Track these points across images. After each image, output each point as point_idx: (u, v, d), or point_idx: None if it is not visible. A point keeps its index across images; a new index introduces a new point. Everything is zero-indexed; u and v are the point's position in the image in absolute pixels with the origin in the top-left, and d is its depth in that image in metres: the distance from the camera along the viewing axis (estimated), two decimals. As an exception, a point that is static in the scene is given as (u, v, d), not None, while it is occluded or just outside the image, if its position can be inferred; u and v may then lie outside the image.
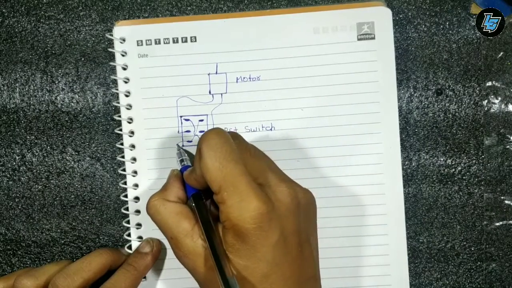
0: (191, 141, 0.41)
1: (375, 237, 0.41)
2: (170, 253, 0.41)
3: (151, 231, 0.41)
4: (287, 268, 0.31)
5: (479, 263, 0.42)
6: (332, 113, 0.41)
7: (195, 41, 0.41)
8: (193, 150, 0.41)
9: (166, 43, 0.41)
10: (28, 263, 0.43)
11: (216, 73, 0.41)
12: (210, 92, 0.41)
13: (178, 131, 0.41)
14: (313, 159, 0.41)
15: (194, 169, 0.34)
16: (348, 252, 0.41)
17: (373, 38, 0.40)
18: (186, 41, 0.41)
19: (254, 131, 0.41)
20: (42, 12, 0.42)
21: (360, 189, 0.41)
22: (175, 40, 0.41)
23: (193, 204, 0.35)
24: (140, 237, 0.41)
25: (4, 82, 0.42)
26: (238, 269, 0.31)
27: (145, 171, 0.41)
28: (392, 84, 0.41)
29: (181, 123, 0.41)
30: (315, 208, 0.36)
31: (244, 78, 0.41)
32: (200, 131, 0.41)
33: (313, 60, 0.41)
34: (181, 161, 0.38)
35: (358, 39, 0.41)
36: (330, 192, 0.41)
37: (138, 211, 0.41)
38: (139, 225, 0.41)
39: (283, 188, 0.32)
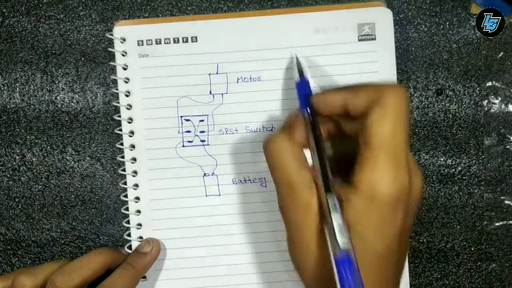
0: (191, 141, 0.41)
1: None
2: (170, 253, 0.41)
3: (151, 231, 0.41)
4: (396, 255, 0.29)
5: (479, 263, 0.42)
6: (333, 114, 0.41)
7: (196, 41, 0.41)
8: (194, 149, 0.41)
9: (167, 43, 0.41)
10: (28, 263, 0.43)
11: (217, 73, 0.41)
12: (210, 92, 0.41)
13: (179, 131, 0.41)
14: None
15: (354, 94, 0.29)
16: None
17: (374, 39, 0.40)
18: (186, 41, 0.41)
19: (254, 131, 0.41)
20: (42, 12, 0.42)
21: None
22: (176, 40, 0.41)
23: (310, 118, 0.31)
24: (140, 237, 0.41)
25: (4, 82, 0.42)
26: (354, 236, 0.28)
27: (145, 171, 0.41)
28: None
29: (182, 123, 0.41)
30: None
31: (244, 78, 0.41)
32: (201, 131, 0.41)
33: (314, 60, 0.41)
34: (300, 72, 0.35)
35: (359, 40, 0.41)
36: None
37: (138, 211, 0.41)
38: (139, 225, 0.41)
39: (418, 179, 0.30)
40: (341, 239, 0.27)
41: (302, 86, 0.35)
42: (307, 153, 0.31)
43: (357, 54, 0.40)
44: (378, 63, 0.41)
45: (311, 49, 0.41)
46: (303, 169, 0.30)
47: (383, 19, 0.40)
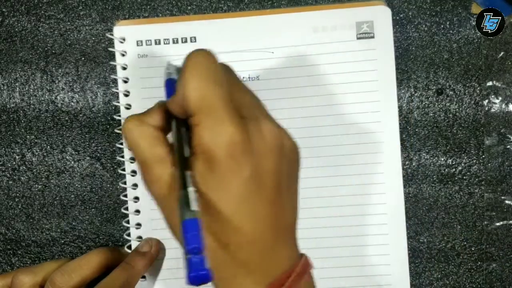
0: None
1: (376, 237, 0.41)
2: (169, 253, 0.41)
3: (150, 231, 0.41)
4: (261, 208, 0.29)
5: (479, 263, 0.42)
6: (332, 112, 0.41)
7: (195, 41, 0.41)
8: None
9: (166, 43, 0.41)
10: (28, 262, 0.43)
11: None
12: None
13: (178, 131, 0.41)
14: (312, 159, 0.41)
15: (177, 92, 0.30)
16: (348, 252, 0.41)
17: (373, 37, 0.40)
18: (186, 42, 0.41)
19: None
20: (42, 12, 0.42)
21: (360, 189, 0.41)
22: (175, 41, 0.41)
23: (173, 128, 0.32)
24: (139, 237, 0.41)
25: (4, 81, 0.42)
26: (206, 201, 0.28)
27: (145, 170, 0.41)
28: (391, 83, 0.41)
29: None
30: (299, 159, 0.33)
31: (243, 78, 0.41)
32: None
33: (313, 59, 0.41)
34: (169, 74, 0.35)
35: (358, 38, 0.41)
36: (330, 192, 0.41)
37: (137, 211, 0.41)
38: (138, 225, 0.41)
39: (269, 125, 0.30)
40: (187, 209, 0.27)
41: (168, 84, 0.35)
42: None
43: (356, 52, 0.40)
44: (377, 61, 0.41)
45: (310, 47, 0.41)
46: (155, 145, 0.31)
47: (381, 17, 0.40)
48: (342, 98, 0.41)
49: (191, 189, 0.27)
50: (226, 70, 0.31)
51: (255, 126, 0.29)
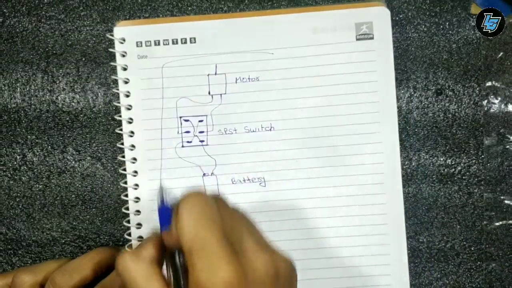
0: (190, 142, 0.41)
1: (375, 237, 0.41)
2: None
3: (151, 231, 0.41)
4: None
5: (479, 263, 0.42)
6: (331, 113, 0.41)
7: (195, 42, 0.41)
8: (193, 150, 0.41)
9: (166, 44, 0.41)
10: (29, 262, 0.43)
11: (216, 74, 0.41)
12: (209, 93, 0.41)
13: (178, 132, 0.41)
14: (312, 159, 0.41)
15: (173, 229, 0.31)
16: (348, 252, 0.41)
17: (372, 38, 0.41)
18: (185, 42, 0.41)
19: (253, 131, 0.41)
20: (43, 12, 0.42)
21: (360, 189, 0.41)
22: (175, 41, 0.41)
23: (167, 263, 0.33)
24: (140, 237, 0.41)
25: (5, 82, 0.43)
26: None
27: (145, 171, 0.41)
28: (391, 84, 0.41)
29: (181, 123, 0.41)
30: (296, 279, 0.33)
31: (243, 78, 0.41)
32: (200, 132, 0.41)
33: (312, 60, 0.41)
34: (162, 200, 0.36)
35: (357, 39, 0.41)
36: (330, 192, 0.41)
37: (138, 211, 0.41)
38: (139, 224, 0.41)
39: (260, 257, 0.30)
40: None
41: (163, 214, 0.35)
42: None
43: (355, 53, 0.41)
44: (376, 62, 0.41)
45: (309, 49, 0.41)
46: (151, 282, 0.31)
47: (380, 18, 0.40)
48: (342, 99, 0.41)
49: None
50: (219, 203, 0.32)
51: (248, 260, 0.29)
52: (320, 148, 0.41)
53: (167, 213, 0.34)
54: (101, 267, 0.38)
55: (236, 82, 0.41)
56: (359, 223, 0.41)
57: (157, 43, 0.41)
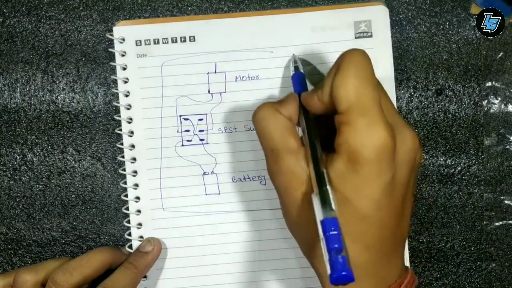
0: (190, 140, 0.41)
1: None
2: (170, 252, 0.41)
3: (151, 230, 0.41)
4: (387, 218, 0.29)
5: (478, 263, 0.42)
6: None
7: (194, 40, 0.41)
8: (193, 148, 0.41)
9: (165, 43, 0.41)
10: (29, 262, 0.43)
11: (215, 72, 0.41)
12: (209, 91, 0.41)
13: (178, 131, 0.41)
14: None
15: (321, 87, 0.30)
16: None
17: (371, 36, 0.41)
18: (185, 41, 0.41)
19: (253, 130, 0.41)
20: (43, 12, 0.42)
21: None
22: (174, 40, 0.41)
23: (304, 117, 0.32)
24: (141, 237, 0.41)
25: (5, 82, 0.43)
26: (338, 201, 0.28)
27: (145, 171, 0.41)
28: (390, 82, 0.41)
29: (181, 122, 0.41)
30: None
31: (243, 77, 0.41)
32: (200, 130, 0.41)
33: (312, 58, 0.41)
34: (296, 67, 0.37)
35: (356, 38, 0.41)
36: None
37: (138, 211, 0.41)
38: (139, 224, 0.41)
39: (411, 136, 0.30)
40: (326, 207, 0.27)
41: (297, 79, 0.36)
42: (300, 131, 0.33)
43: None
44: (375, 60, 0.40)
45: (308, 47, 0.41)
46: (288, 136, 0.31)
47: (379, 17, 0.41)
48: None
49: (329, 188, 0.27)
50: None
51: (400, 134, 0.29)
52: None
53: (302, 79, 0.35)
54: (102, 266, 0.38)
55: (236, 81, 0.41)
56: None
57: (156, 42, 0.41)
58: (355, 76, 0.28)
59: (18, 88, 0.43)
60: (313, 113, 0.32)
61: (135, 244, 0.41)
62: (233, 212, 0.41)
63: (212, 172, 0.41)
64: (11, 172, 0.43)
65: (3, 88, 0.43)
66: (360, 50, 0.30)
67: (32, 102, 0.43)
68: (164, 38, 0.41)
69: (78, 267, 0.37)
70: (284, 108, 0.32)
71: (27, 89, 0.43)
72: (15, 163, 0.43)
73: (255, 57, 0.41)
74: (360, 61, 0.29)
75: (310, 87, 0.39)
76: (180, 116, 0.41)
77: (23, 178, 0.43)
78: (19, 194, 0.43)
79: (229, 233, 0.41)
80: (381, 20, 0.41)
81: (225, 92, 0.41)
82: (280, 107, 0.32)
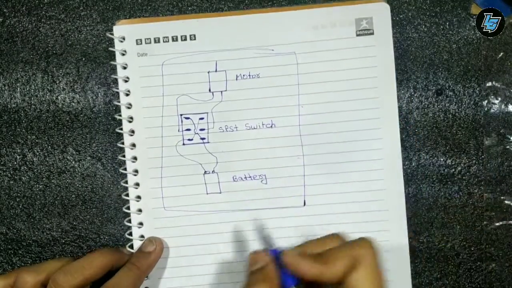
0: (191, 139, 0.41)
1: (377, 233, 0.41)
2: (172, 251, 0.41)
3: (153, 229, 0.41)
4: None
5: (479, 263, 0.42)
6: (332, 109, 0.41)
7: (195, 39, 0.41)
8: (194, 147, 0.41)
9: (166, 41, 0.41)
10: (29, 262, 0.43)
11: (216, 71, 0.41)
12: (210, 90, 0.41)
13: (179, 130, 0.41)
14: (313, 156, 0.41)
15: (325, 263, 0.30)
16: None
17: (372, 34, 0.41)
18: (185, 39, 0.41)
19: (254, 128, 0.41)
20: (43, 12, 0.42)
21: (361, 185, 0.41)
22: (175, 39, 0.41)
23: None
24: (142, 236, 0.41)
25: (5, 82, 0.43)
26: None
27: (146, 170, 0.41)
28: (391, 80, 0.41)
29: (181, 121, 0.41)
30: None
31: (243, 75, 0.41)
32: (201, 129, 0.41)
33: (312, 56, 0.41)
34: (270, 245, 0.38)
35: (357, 35, 0.41)
36: (331, 189, 0.41)
37: (139, 210, 0.41)
38: (140, 224, 0.41)
39: None
40: None
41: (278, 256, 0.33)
42: None
43: (355, 49, 0.41)
44: (376, 57, 0.41)
45: (309, 45, 0.41)
46: None
47: (381, 14, 0.41)
48: (342, 95, 0.41)
49: None
50: None
51: None
52: (321, 145, 0.41)
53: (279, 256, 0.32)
54: (104, 268, 0.38)
55: (236, 79, 0.41)
56: (359, 220, 0.41)
57: (157, 40, 0.41)
58: (372, 274, 0.30)
59: (18, 88, 0.43)
60: (297, 274, 0.32)
61: (136, 243, 0.41)
62: (234, 211, 0.41)
63: (213, 171, 0.41)
64: (11, 172, 0.43)
65: (3, 88, 0.43)
66: (375, 248, 0.31)
67: (32, 102, 0.42)
68: (164, 37, 0.41)
69: (79, 268, 0.37)
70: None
71: (27, 89, 0.43)
72: (15, 163, 0.43)
73: (255, 55, 0.41)
74: (375, 257, 0.30)
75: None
76: (181, 115, 0.41)
77: (23, 178, 0.43)
78: (19, 194, 0.43)
79: (230, 232, 0.41)
80: (382, 17, 0.41)
81: (226, 90, 0.41)
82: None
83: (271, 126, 0.41)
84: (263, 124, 0.41)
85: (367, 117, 0.41)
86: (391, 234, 0.41)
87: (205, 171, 0.41)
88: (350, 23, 0.41)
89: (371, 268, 0.30)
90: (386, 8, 0.41)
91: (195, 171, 0.41)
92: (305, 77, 0.41)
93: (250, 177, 0.41)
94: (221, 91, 0.41)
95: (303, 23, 0.41)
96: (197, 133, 0.41)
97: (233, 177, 0.41)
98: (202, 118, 0.41)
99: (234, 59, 0.41)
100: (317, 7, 0.41)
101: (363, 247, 0.31)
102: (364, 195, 0.41)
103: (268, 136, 0.41)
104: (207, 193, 0.41)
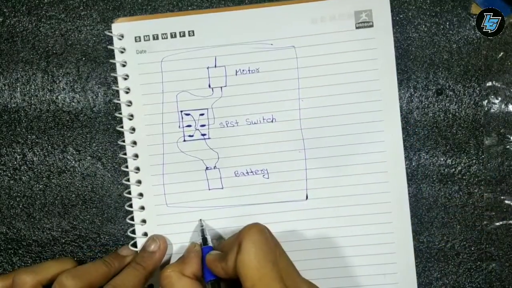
0: (192, 136, 0.41)
1: (381, 236, 0.41)
2: (175, 248, 0.41)
3: (155, 226, 0.41)
4: None
5: (479, 262, 0.42)
6: (333, 103, 0.41)
7: (193, 35, 0.41)
8: (195, 144, 0.41)
9: (164, 38, 0.41)
10: (29, 262, 0.43)
11: (215, 66, 0.41)
12: (209, 86, 0.41)
13: (179, 126, 0.41)
14: (315, 149, 0.41)
15: (225, 258, 0.34)
16: (353, 241, 0.41)
17: (372, 26, 0.41)
18: (184, 36, 0.41)
19: (255, 123, 0.41)
20: (43, 12, 0.42)
21: (363, 178, 0.41)
22: (173, 35, 0.41)
23: None
24: (145, 234, 0.41)
25: (5, 81, 0.43)
26: None
27: (148, 167, 0.41)
28: (392, 71, 0.41)
29: (182, 117, 0.41)
30: None
31: (243, 70, 0.41)
32: (201, 125, 0.41)
33: (312, 50, 0.41)
34: (204, 239, 0.39)
35: (357, 28, 0.41)
36: (333, 182, 0.41)
37: (142, 208, 0.41)
38: (143, 221, 0.41)
39: None
40: None
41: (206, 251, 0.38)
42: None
43: (355, 41, 0.41)
44: (377, 50, 0.41)
45: (308, 38, 0.41)
46: None
47: (380, 6, 0.41)
48: (343, 88, 0.41)
49: None
50: (272, 239, 0.35)
51: None
52: (322, 138, 0.41)
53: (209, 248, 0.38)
54: (107, 277, 0.38)
55: (236, 74, 0.41)
56: (364, 222, 0.41)
57: (155, 37, 0.41)
58: (256, 257, 0.32)
59: (18, 88, 0.43)
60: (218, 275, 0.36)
61: (139, 241, 0.41)
62: (236, 206, 0.41)
63: (214, 167, 0.41)
64: (11, 172, 0.43)
65: (3, 88, 0.43)
66: (257, 226, 0.34)
67: (32, 101, 0.43)
68: (163, 34, 0.41)
69: (86, 273, 0.37)
70: (187, 267, 0.36)
71: (27, 88, 0.43)
72: (15, 162, 0.43)
73: (255, 50, 0.41)
74: (259, 240, 0.32)
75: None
76: (181, 111, 0.41)
77: (23, 177, 0.43)
78: (19, 194, 0.43)
79: (232, 227, 0.41)
80: (382, 10, 0.41)
81: (225, 86, 0.41)
82: (183, 268, 0.36)
83: (272, 121, 0.41)
84: (263, 119, 0.41)
85: (368, 109, 0.41)
86: (394, 226, 0.41)
87: (206, 167, 0.41)
88: (349, 16, 0.41)
89: (252, 243, 0.32)
90: (385, 0, 0.41)
91: (196, 167, 0.41)
92: (305, 71, 0.41)
93: (251, 172, 0.41)
94: (221, 87, 0.41)
95: (301, 17, 0.41)
96: (198, 129, 0.41)
97: (234, 173, 0.41)
98: (202, 114, 0.41)
99: (233, 54, 0.41)
100: (316, 0, 0.41)
101: (243, 231, 0.33)
102: (367, 187, 0.41)
103: (269, 131, 0.41)
104: (209, 189, 0.41)
